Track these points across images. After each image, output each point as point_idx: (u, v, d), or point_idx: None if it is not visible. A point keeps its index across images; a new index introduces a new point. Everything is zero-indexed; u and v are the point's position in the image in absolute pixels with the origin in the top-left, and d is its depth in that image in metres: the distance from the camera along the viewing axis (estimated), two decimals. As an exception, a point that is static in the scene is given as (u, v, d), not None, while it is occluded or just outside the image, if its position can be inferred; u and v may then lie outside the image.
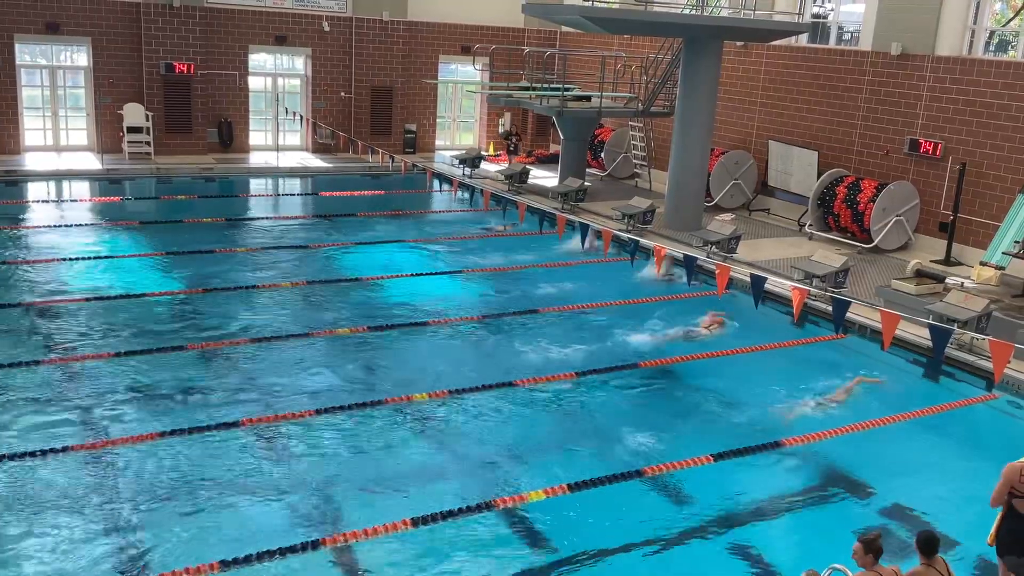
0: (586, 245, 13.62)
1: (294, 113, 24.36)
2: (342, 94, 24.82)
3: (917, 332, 11.91)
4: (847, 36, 20.05)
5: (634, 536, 7.75)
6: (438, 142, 26.97)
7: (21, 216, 17.92)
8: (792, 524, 8.33)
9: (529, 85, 22.70)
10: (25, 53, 21.81)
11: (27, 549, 7.14)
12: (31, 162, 21.29)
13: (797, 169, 19.58)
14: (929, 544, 6.02)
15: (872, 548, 5.84)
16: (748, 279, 10.76)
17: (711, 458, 9.02)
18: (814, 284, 13.81)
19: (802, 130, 19.82)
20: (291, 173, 23.13)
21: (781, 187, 20.19)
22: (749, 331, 12.85)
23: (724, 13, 19.71)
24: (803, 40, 20.08)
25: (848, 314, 10.45)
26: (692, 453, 9.07)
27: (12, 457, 8.33)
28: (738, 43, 20.63)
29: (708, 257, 15.04)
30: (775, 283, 11.63)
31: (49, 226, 17.05)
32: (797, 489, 8.94)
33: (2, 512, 7.57)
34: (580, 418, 10.18)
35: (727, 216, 19.10)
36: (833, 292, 13.06)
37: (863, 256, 16.98)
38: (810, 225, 18.46)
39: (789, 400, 10.83)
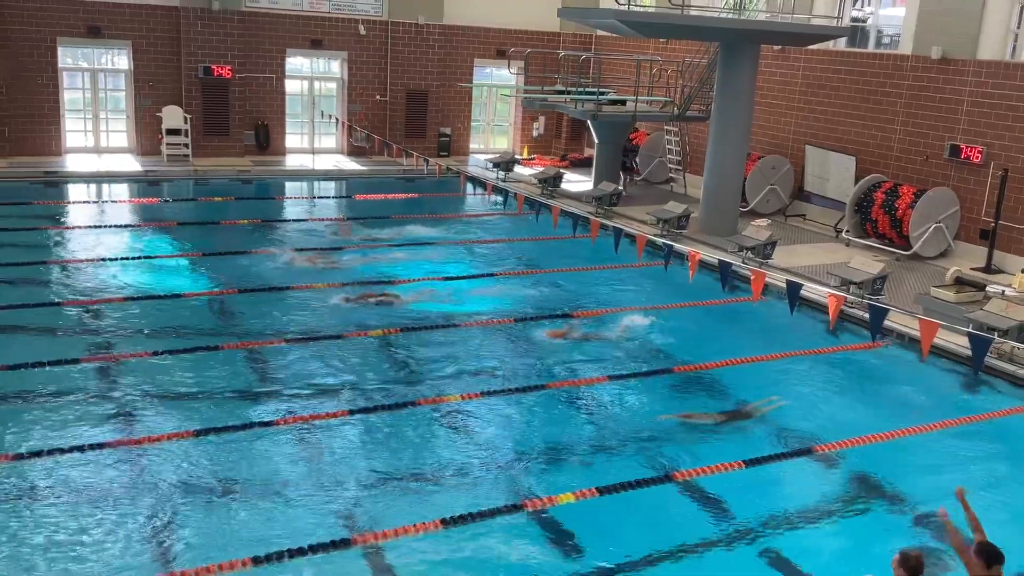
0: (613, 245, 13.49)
1: (330, 116, 24.54)
2: (377, 97, 24.96)
3: (956, 341, 11.72)
4: (886, 40, 19.80)
5: (663, 541, 7.69)
6: (472, 145, 27.03)
7: (62, 217, 18.24)
8: (825, 532, 8.22)
9: (564, 89, 22.69)
10: (67, 56, 22.20)
11: (64, 542, 7.25)
12: (72, 163, 21.65)
13: (834, 174, 19.36)
14: (995, 556, 5.87)
15: (907, 564, 5.74)
16: (784, 285, 10.66)
17: (743, 464, 8.93)
18: (851, 291, 13.63)
19: (840, 135, 19.60)
20: (326, 176, 23.31)
21: (818, 192, 19.98)
22: (784, 337, 12.71)
23: (761, 17, 19.56)
24: (841, 44, 19.86)
25: (886, 322, 10.29)
26: (724, 458, 8.98)
27: (51, 452, 8.47)
28: (775, 47, 20.46)
29: (743, 263, 14.91)
30: (811, 289, 11.51)
31: (89, 227, 17.33)
32: (830, 497, 8.82)
33: (40, 505, 7.70)
34: (611, 421, 10.13)
35: (763, 221, 18.92)
36: (870, 299, 12.88)
37: (901, 263, 16.74)
38: (847, 231, 18.24)
39: (823, 407, 10.70)
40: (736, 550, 7.72)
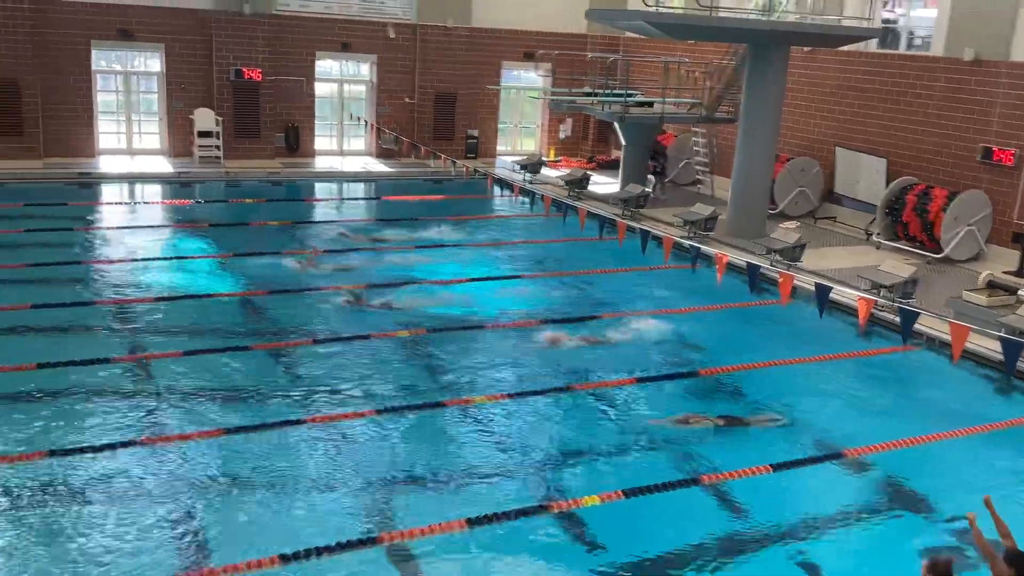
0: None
1: (359, 118, 24.69)
2: (406, 100, 25.08)
3: (988, 345, 11.57)
4: (918, 42, 19.60)
5: (689, 545, 7.67)
6: (499, 148, 27.07)
7: (95, 217, 18.51)
8: (853, 537, 8.15)
9: (591, 91, 22.67)
10: (101, 59, 22.51)
11: (97, 537, 7.37)
12: (105, 165, 21.95)
13: (865, 176, 19.19)
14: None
15: (936, 571, 5.69)
16: (813, 288, 10.59)
17: (770, 468, 8.89)
18: (881, 294, 13.51)
19: (870, 137, 19.42)
20: (355, 177, 23.46)
21: (848, 195, 19.81)
22: (813, 341, 12.62)
23: (791, 18, 19.42)
24: (872, 45, 19.68)
25: (917, 325, 10.19)
26: (751, 462, 8.94)
27: (84, 450, 8.60)
28: (805, 48, 20.31)
29: (772, 265, 14.82)
30: (841, 292, 11.42)
31: (121, 227, 17.58)
32: (859, 501, 8.75)
33: (71, 502, 7.83)
34: (637, 424, 10.11)
35: (792, 224, 18.80)
36: (901, 303, 12.76)
37: (933, 266, 16.56)
38: (878, 234, 18.07)
39: (852, 411, 10.62)
40: (762, 554, 7.69)
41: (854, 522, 8.36)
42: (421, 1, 24.59)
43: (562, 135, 27.54)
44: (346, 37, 24.14)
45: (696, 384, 11.25)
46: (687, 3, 22.26)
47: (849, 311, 12.98)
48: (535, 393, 10.58)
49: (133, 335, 11.90)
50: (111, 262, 15.02)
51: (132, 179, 21.41)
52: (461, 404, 10.15)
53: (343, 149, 25.05)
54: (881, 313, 13.06)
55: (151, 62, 23.04)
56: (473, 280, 14.98)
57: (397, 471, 8.69)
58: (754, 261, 12.04)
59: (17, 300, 12.62)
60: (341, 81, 25.23)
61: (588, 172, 22.77)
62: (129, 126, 23.32)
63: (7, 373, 10.18)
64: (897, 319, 10.86)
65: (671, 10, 19.44)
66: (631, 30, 20.66)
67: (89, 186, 20.58)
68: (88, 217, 18.27)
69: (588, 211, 15.02)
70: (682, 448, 9.42)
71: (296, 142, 24.04)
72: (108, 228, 17.50)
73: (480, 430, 9.71)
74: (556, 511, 8.01)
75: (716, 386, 11.23)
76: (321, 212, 20.83)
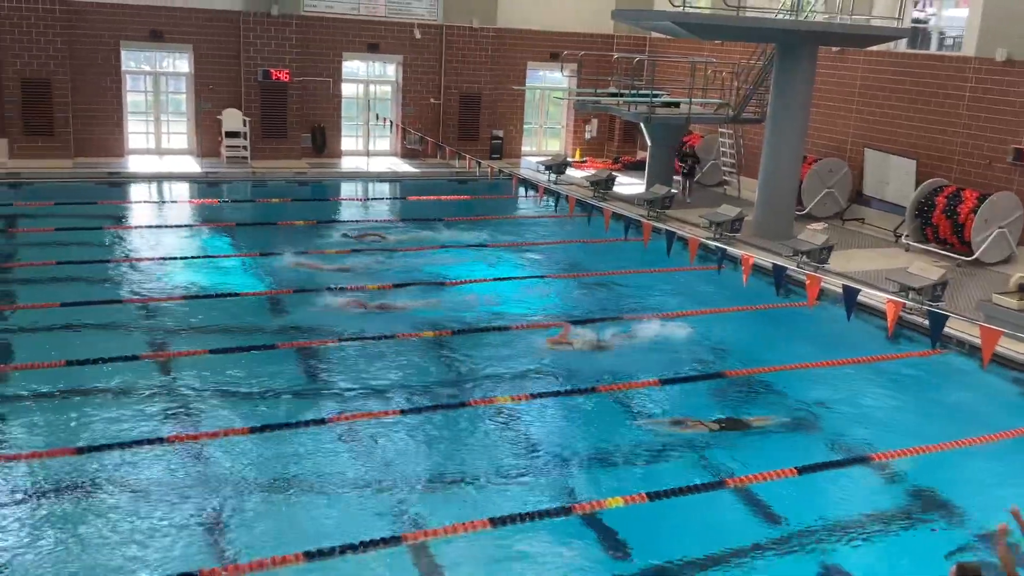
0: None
1: (384, 119, 24.79)
2: (431, 100, 25.14)
3: (1019, 349, 11.41)
4: (949, 42, 19.36)
5: (713, 548, 7.62)
6: (524, 148, 27.07)
7: (124, 216, 18.70)
8: (880, 543, 8.05)
9: (617, 91, 22.60)
10: (130, 59, 22.74)
11: (124, 533, 7.44)
12: (134, 164, 22.18)
13: (894, 178, 18.99)
14: None
15: None
16: (840, 290, 10.49)
17: (795, 471, 8.81)
18: (910, 297, 13.36)
19: (900, 138, 19.21)
20: (380, 178, 23.55)
21: (877, 196, 19.62)
22: (840, 343, 12.50)
23: (819, 18, 19.26)
24: (902, 45, 19.47)
25: (946, 329, 10.07)
26: (776, 465, 8.86)
27: (111, 447, 8.68)
28: (833, 48, 20.13)
29: (798, 267, 14.70)
30: (869, 295, 11.30)
31: (150, 226, 17.75)
32: (886, 507, 8.64)
33: (100, 498, 7.91)
34: (661, 425, 10.05)
35: (819, 225, 18.65)
36: (930, 306, 12.61)
37: (963, 269, 16.35)
38: (907, 236, 17.87)
39: (880, 415, 10.51)
40: (787, 559, 7.62)
41: (881, 528, 8.26)
42: (447, 2, 24.65)
43: (587, 136, 27.48)
44: (372, 38, 24.24)
45: (721, 386, 11.18)
46: (714, 3, 22.15)
47: (877, 314, 12.84)
48: (559, 394, 10.56)
49: (160, 333, 12.00)
50: (139, 261, 15.16)
51: (160, 179, 21.62)
52: (485, 404, 10.15)
53: (369, 150, 25.15)
54: (910, 316, 12.91)
55: (180, 63, 23.25)
56: (498, 280, 14.98)
57: (421, 470, 8.70)
58: (780, 263, 11.94)
59: (47, 298, 12.76)
60: (367, 82, 25.33)
61: (613, 173, 22.70)
62: (158, 126, 23.55)
63: (36, 370, 10.30)
64: (926, 322, 10.73)
65: (698, 10, 19.35)
66: (658, 30, 20.59)
67: (118, 185, 20.80)
68: (117, 216, 18.46)
69: (613, 212, 14.96)
70: (706, 450, 9.36)
71: (322, 143, 24.17)
72: (137, 227, 17.67)
73: (504, 430, 9.70)
74: (580, 512, 7.98)
75: (741, 388, 11.15)
76: (347, 212, 20.92)
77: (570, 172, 23.98)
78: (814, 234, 16.13)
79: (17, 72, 20.79)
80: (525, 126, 26.99)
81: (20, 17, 20.59)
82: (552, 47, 26.00)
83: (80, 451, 8.56)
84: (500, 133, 25.95)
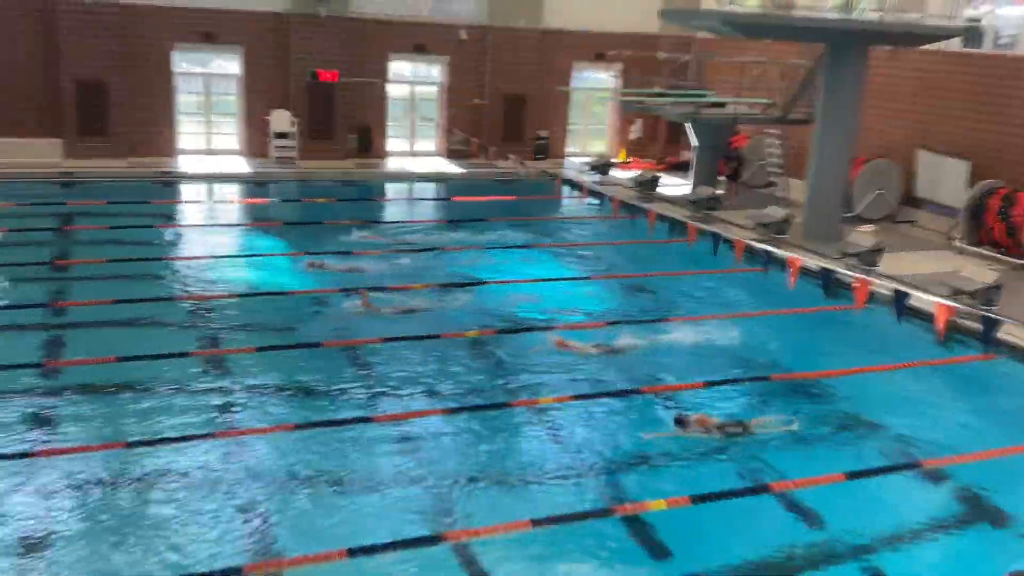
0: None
1: (430, 120, 24.89)
2: (476, 101, 25.21)
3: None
4: (1004, 40, 18.92)
5: (758, 553, 7.54)
6: (569, 148, 27.01)
7: (175, 215, 19.05)
8: (930, 551, 7.92)
9: (662, 91, 22.45)
10: (182, 61, 23.14)
11: (171, 526, 7.58)
12: (185, 164, 22.58)
13: (946, 179, 18.61)
14: None
15: None
16: (890, 293, 10.31)
17: (844, 476, 8.67)
18: (962, 300, 13.07)
19: (953, 139, 18.81)
20: (424, 178, 23.68)
21: (929, 198, 19.24)
22: (890, 348, 12.28)
23: (871, 16, 18.95)
24: (955, 44, 19.07)
25: (999, 333, 9.84)
26: (823, 470, 8.74)
27: (160, 442, 8.85)
28: (885, 47, 19.78)
29: (848, 270, 14.47)
30: (919, 298, 11.10)
31: (200, 225, 18.06)
32: (937, 514, 8.48)
33: (148, 492, 8.06)
34: (704, 429, 9.94)
35: (869, 227, 18.33)
36: (983, 310, 12.33)
37: (1017, 272, 15.97)
38: (960, 239, 17.50)
39: (931, 420, 10.31)
40: (834, 565, 7.51)
41: (931, 535, 8.11)
42: (492, 3, 24.70)
43: (632, 136, 27.34)
44: (418, 39, 24.38)
45: (767, 389, 11.05)
46: (763, 1, 21.90)
47: (928, 318, 12.58)
48: (602, 395, 10.51)
49: (209, 330, 12.21)
50: (189, 259, 15.42)
51: (210, 179, 21.98)
52: (528, 405, 10.15)
53: (414, 150, 25.31)
54: (962, 320, 12.64)
55: (230, 64, 23.59)
56: (541, 281, 14.97)
57: (463, 470, 8.73)
58: (829, 265, 11.77)
59: (100, 295, 13.04)
60: (413, 83, 25.48)
61: (658, 174, 22.56)
62: (208, 127, 23.93)
63: (88, 365, 10.54)
64: (979, 326, 10.51)
65: (747, 9, 19.15)
66: (705, 30, 20.43)
67: (170, 185, 21.19)
68: (169, 215, 18.81)
69: (657, 213, 14.88)
70: (752, 454, 9.25)
71: (368, 143, 24.36)
72: (187, 226, 17.99)
73: (547, 431, 9.69)
74: (621, 514, 7.94)
75: (788, 392, 11.01)
76: (391, 212, 21.06)
77: (614, 173, 23.88)
78: (864, 236, 15.87)
79: (73, 74, 21.26)
80: (570, 127, 26.93)
81: (77, 20, 21.07)
82: (598, 47, 25.91)
83: (129, 445, 8.73)
84: (545, 134, 25.93)
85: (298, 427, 9.31)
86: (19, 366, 10.39)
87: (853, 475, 8.73)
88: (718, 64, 24.95)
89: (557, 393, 10.45)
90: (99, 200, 18.66)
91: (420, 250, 16.60)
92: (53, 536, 7.35)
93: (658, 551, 7.58)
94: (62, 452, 8.57)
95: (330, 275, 14.61)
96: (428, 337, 12.03)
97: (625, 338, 12.23)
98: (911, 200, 19.72)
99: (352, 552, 7.09)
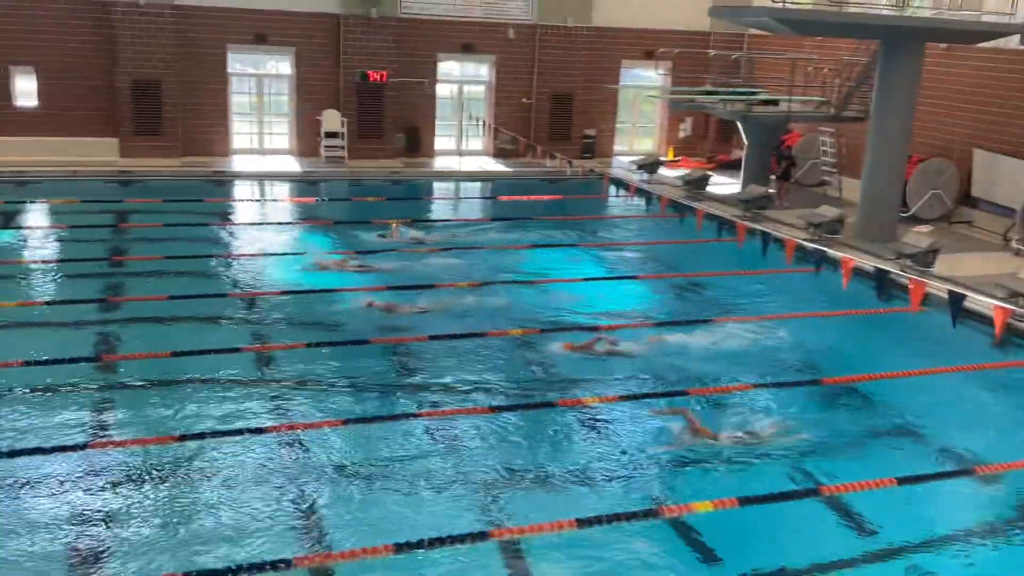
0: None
1: (477, 119, 24.98)
2: (523, 100, 25.22)
3: None
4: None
5: (805, 558, 7.44)
6: (617, 147, 26.90)
7: (229, 213, 19.36)
8: (982, 560, 7.73)
9: (712, 89, 22.25)
10: (236, 62, 23.52)
11: (222, 519, 7.72)
12: (238, 163, 22.94)
13: (1004, 179, 18.17)
14: None
15: None
16: (946, 295, 10.10)
17: (895, 481, 8.51)
18: (1020, 303, 12.75)
19: (1011, 138, 18.35)
20: (472, 177, 23.77)
21: (986, 198, 18.80)
22: (944, 351, 12.02)
23: (926, 13, 18.57)
24: (1013, 42, 18.58)
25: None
26: (874, 475, 8.58)
27: (212, 435, 9.01)
28: (941, 44, 19.37)
29: (902, 271, 14.20)
30: (976, 300, 10.84)
31: (252, 223, 18.33)
32: (991, 521, 8.29)
33: (198, 485, 8.22)
34: (754, 431, 9.84)
35: (924, 228, 17.96)
36: (1042, 312, 12.02)
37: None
38: (1017, 240, 17.07)
39: (986, 425, 10.07)
40: (883, 572, 7.38)
41: (985, 543, 7.93)
42: (542, 1, 24.68)
43: (682, 134, 27.13)
44: (467, 38, 24.47)
45: (819, 392, 10.90)
46: (815, -1, 21.58)
47: (985, 320, 12.29)
48: (648, 396, 10.46)
49: (260, 326, 12.39)
50: (242, 256, 15.66)
51: (263, 178, 22.30)
52: (573, 404, 10.13)
53: (461, 149, 25.41)
54: (1020, 324, 12.33)
55: (282, 65, 23.91)
56: (587, 280, 14.92)
57: (509, 468, 8.75)
58: (883, 266, 11.56)
59: (155, 291, 13.31)
60: (461, 82, 25.57)
61: (707, 172, 22.36)
62: (260, 127, 24.28)
63: (144, 360, 10.76)
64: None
65: (799, 5, 18.88)
66: (756, 26, 20.20)
67: (223, 184, 21.55)
68: (222, 213, 19.13)
69: (706, 212, 14.75)
70: (801, 457, 9.14)
71: (416, 142, 24.51)
72: (240, 224, 18.27)
73: (592, 431, 9.67)
74: (667, 516, 7.89)
75: (840, 395, 10.84)
76: (439, 210, 21.16)
77: (663, 172, 23.72)
78: (919, 237, 15.57)
79: (128, 74, 21.73)
80: (618, 125, 26.81)
81: (133, 21, 21.53)
82: (647, 45, 25.75)
83: (181, 438, 8.90)
84: (592, 132, 25.86)
85: (346, 422, 9.41)
86: (75, 360, 10.64)
87: (905, 480, 8.57)
88: (769, 61, 24.65)
89: (602, 393, 10.41)
90: (154, 198, 19.05)
91: (465, 248, 16.65)
92: (108, 526, 7.53)
93: (704, 553, 7.52)
94: (115, 444, 8.76)
95: (376, 274, 14.73)
96: (474, 335, 12.05)
97: (670, 338, 12.14)
98: (967, 200, 19.29)
99: (399, 547, 7.15)
